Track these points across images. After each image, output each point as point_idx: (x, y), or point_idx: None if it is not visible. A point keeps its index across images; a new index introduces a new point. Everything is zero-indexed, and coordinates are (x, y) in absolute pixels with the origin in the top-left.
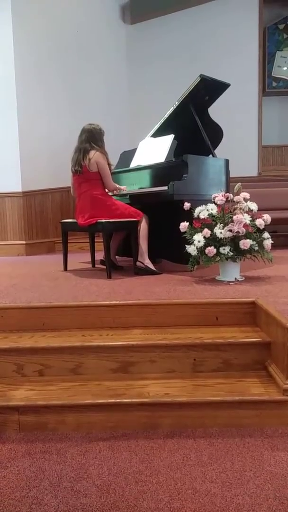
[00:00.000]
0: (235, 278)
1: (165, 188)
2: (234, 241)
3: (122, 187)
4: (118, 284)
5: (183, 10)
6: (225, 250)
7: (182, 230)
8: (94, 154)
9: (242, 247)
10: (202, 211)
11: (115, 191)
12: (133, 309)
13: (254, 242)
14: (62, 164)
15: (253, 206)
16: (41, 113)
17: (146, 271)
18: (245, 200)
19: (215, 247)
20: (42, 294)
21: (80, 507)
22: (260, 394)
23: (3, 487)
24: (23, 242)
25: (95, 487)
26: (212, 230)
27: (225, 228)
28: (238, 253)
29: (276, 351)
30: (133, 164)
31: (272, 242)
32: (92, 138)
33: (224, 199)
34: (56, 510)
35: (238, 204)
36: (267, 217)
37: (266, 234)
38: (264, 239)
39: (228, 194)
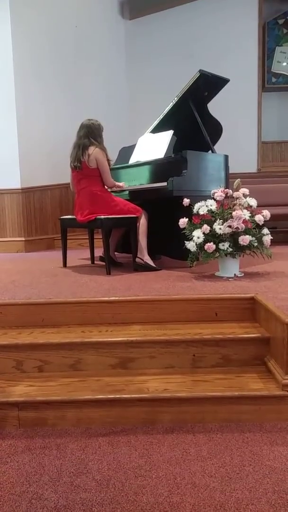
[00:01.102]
0: (235, 274)
1: (164, 184)
2: (233, 237)
3: (121, 184)
4: (117, 280)
5: (182, 5)
6: (225, 246)
7: (181, 226)
8: (93, 150)
9: (241, 243)
10: (201, 207)
11: (113, 188)
12: (132, 305)
13: (254, 238)
14: (61, 160)
15: (253, 202)
16: (39, 109)
17: (146, 267)
18: (245, 196)
19: (214, 243)
20: (41, 290)
21: (80, 502)
22: (259, 390)
23: (3, 482)
24: (22, 238)
25: (95, 482)
26: (211, 226)
27: (225, 224)
28: (238, 249)
29: (275, 347)
30: (132, 160)
31: (272, 238)
32: (91, 133)
33: (224, 195)
34: (56, 505)
35: (238, 200)
36: (266, 213)
37: (265, 230)
38: (264, 235)
39: (227, 190)
